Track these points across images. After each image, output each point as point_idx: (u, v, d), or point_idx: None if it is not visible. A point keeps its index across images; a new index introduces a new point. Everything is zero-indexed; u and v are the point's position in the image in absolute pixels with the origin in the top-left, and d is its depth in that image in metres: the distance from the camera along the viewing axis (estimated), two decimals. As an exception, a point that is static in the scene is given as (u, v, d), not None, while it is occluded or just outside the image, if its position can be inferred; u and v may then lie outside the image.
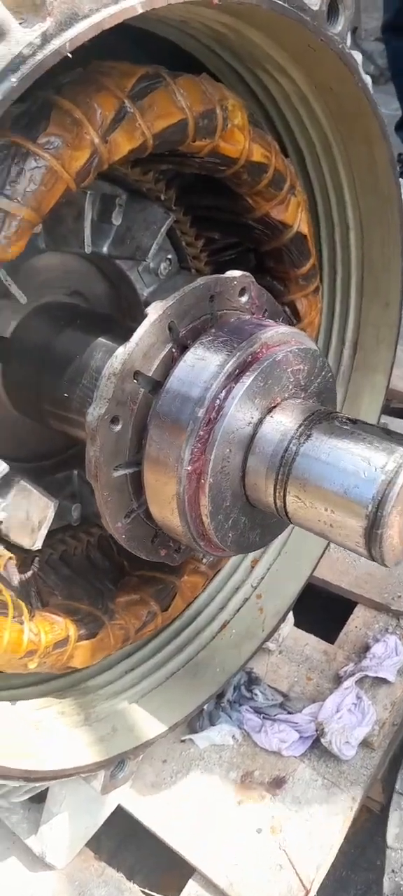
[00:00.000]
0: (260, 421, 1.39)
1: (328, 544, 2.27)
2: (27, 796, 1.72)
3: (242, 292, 1.57)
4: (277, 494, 1.37)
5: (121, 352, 1.39)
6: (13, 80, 1.03)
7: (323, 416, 1.38)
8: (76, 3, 1.07)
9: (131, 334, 1.43)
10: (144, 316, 1.44)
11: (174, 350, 1.46)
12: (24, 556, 1.72)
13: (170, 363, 1.45)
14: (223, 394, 1.37)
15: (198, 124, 1.47)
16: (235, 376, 1.38)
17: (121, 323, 1.91)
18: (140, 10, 1.14)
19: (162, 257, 1.86)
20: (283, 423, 1.37)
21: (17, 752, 1.56)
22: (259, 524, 1.51)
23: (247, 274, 1.58)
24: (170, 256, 1.89)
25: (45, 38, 1.05)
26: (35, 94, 1.22)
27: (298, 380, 1.47)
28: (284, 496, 1.36)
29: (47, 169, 1.24)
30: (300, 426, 1.36)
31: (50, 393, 1.71)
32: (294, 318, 2.00)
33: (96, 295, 1.95)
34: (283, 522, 1.51)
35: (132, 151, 1.37)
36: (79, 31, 1.07)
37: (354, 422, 1.36)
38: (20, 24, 1.04)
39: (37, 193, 1.24)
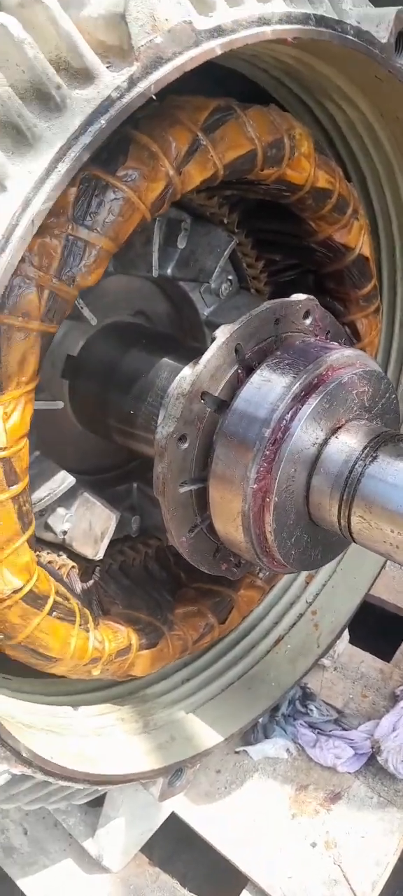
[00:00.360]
0: (326, 441, 1.42)
1: (385, 563, 2.28)
2: (87, 799, 1.79)
3: (306, 315, 1.61)
4: (341, 514, 1.40)
5: (190, 373, 1.45)
6: (102, 121, 1.10)
7: (389, 437, 1.41)
8: (161, 47, 1.13)
9: (194, 354, 1.50)
10: (209, 337, 1.50)
11: (240, 371, 1.51)
12: (85, 566, 1.80)
13: (235, 384, 1.50)
14: (289, 415, 1.40)
15: (266, 154, 1.52)
16: (301, 398, 1.41)
17: (182, 342, 1.98)
18: (219, 52, 1.20)
19: (223, 278, 1.92)
20: (348, 444, 1.40)
21: (81, 756, 1.63)
22: (321, 542, 1.54)
23: (312, 297, 1.63)
24: (230, 277, 1.95)
25: (132, 82, 1.12)
26: (114, 130, 1.29)
27: (363, 401, 1.49)
28: (349, 516, 1.39)
29: (125, 200, 1.31)
30: (365, 448, 1.39)
31: (115, 409, 1.78)
32: (354, 337, 2.03)
33: (158, 314, 2.03)
34: (344, 541, 1.53)
35: (204, 181, 1.43)
36: (164, 73, 1.14)
37: None
38: (108, 67, 1.11)
39: (115, 224, 1.31)
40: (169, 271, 1.87)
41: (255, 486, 1.41)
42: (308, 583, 2.30)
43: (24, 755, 1.39)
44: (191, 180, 1.40)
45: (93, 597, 1.82)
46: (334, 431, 1.43)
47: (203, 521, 1.58)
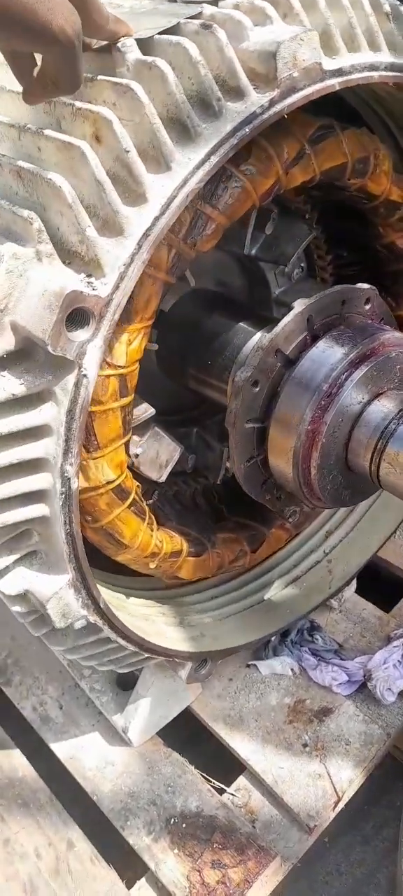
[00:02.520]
0: (369, 402, 1.79)
1: (395, 529, 2.69)
2: (131, 669, 2.20)
3: (367, 301, 1.98)
4: (373, 461, 1.77)
5: (271, 333, 1.83)
6: (247, 129, 1.46)
7: None
8: (296, 80, 1.48)
9: (265, 322, 1.88)
10: (276, 310, 1.88)
11: (308, 337, 1.89)
12: (147, 488, 2.18)
13: (303, 347, 1.88)
14: (344, 376, 1.78)
15: (355, 167, 1.88)
16: (355, 364, 1.79)
17: (256, 313, 2.35)
18: (337, 88, 1.56)
19: (297, 265, 2.23)
20: (387, 406, 1.78)
21: (135, 626, 2.03)
22: (351, 485, 1.92)
23: (373, 287, 2.00)
24: (302, 265, 2.26)
25: (272, 103, 1.47)
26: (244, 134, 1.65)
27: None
28: (379, 463, 1.77)
29: (243, 188, 1.68)
30: (400, 411, 1.77)
31: (195, 359, 2.15)
32: (401, 329, 2.40)
33: (236, 287, 2.34)
34: (370, 489, 1.92)
35: (304, 182, 1.79)
36: (295, 99, 1.50)
37: None
38: (255, 90, 1.47)
39: (232, 205, 1.68)
40: (254, 251, 2.20)
41: (309, 427, 1.79)
42: (327, 537, 2.70)
43: (101, 606, 1.78)
44: (294, 180, 1.77)
45: (151, 513, 2.20)
46: (377, 395, 1.81)
47: (259, 454, 1.97)
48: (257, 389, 1.86)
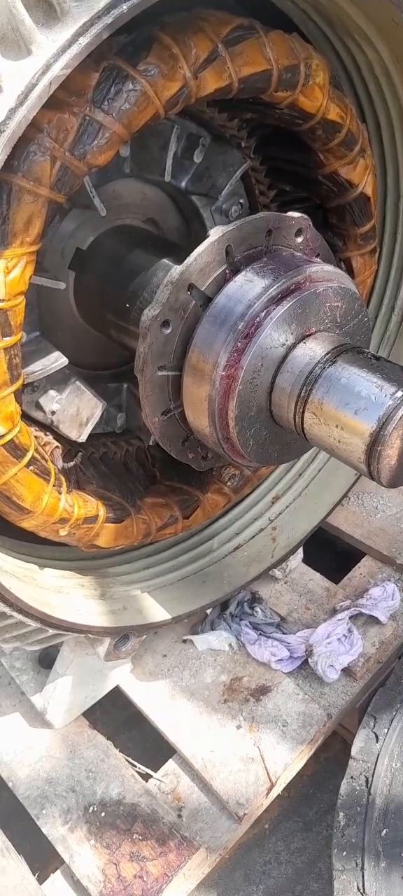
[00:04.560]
0: (294, 345, 1.59)
1: (345, 494, 2.49)
2: (39, 647, 2.01)
3: (298, 233, 1.77)
4: (297, 411, 1.58)
5: (181, 264, 1.61)
6: (124, 7, 1.24)
7: (351, 348, 1.58)
8: None
9: None
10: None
11: (227, 272, 1.68)
12: (69, 448, 1.98)
13: (222, 282, 1.67)
14: (263, 313, 1.58)
15: (281, 76, 1.65)
16: (277, 300, 1.58)
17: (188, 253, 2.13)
18: None
19: (234, 201, 2.06)
20: (313, 349, 1.58)
21: (40, 600, 1.84)
22: (279, 441, 1.73)
23: (305, 216, 1.78)
24: (241, 201, 2.09)
25: (156, -24, 1.25)
26: (142, 28, 1.42)
27: (335, 316, 1.66)
28: (302, 413, 1.57)
29: (141, 93, 1.46)
30: (327, 353, 1.56)
31: (113, 303, 1.93)
32: (348, 274, 2.17)
33: (169, 226, 2.16)
34: (302, 446, 1.73)
35: (218, 90, 1.57)
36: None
37: (378, 358, 1.54)
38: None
39: (129, 112, 1.46)
40: (183, 184, 2.01)
41: (224, 374, 1.59)
42: (273, 503, 2.50)
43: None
44: (205, 86, 1.54)
45: (72, 476, 1.98)
46: (303, 338, 1.61)
47: (176, 407, 1.77)
48: (168, 331, 1.65)
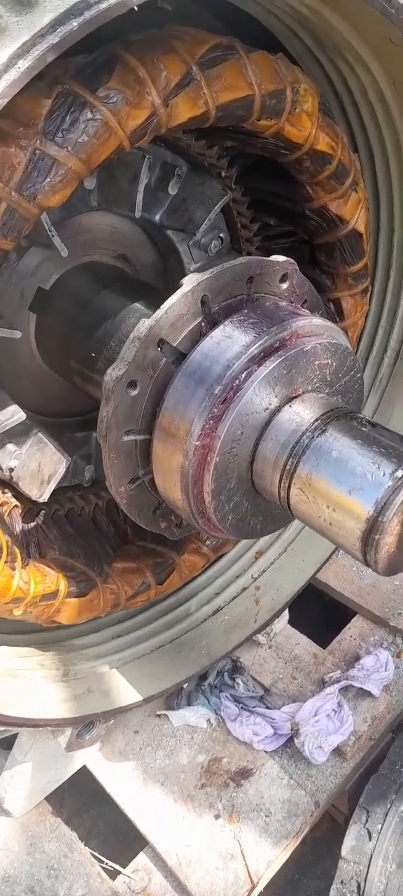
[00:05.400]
0: (278, 409, 1.41)
1: (335, 550, 2.30)
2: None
3: (283, 279, 1.57)
4: (282, 485, 1.39)
5: (150, 318, 1.41)
6: (74, 24, 1.04)
7: (343, 413, 1.39)
8: None
9: None
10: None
11: (203, 324, 1.48)
12: (30, 507, 1.78)
13: (197, 337, 1.47)
14: (243, 375, 1.38)
15: (265, 103, 1.47)
16: (259, 359, 1.39)
17: (163, 294, 1.94)
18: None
19: (214, 235, 1.89)
20: (300, 414, 1.39)
21: (-9, 692, 1.63)
22: (262, 512, 1.53)
23: (291, 261, 1.58)
24: (221, 235, 1.92)
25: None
26: (104, 47, 1.22)
27: (324, 374, 1.47)
28: (288, 487, 1.38)
29: (102, 123, 1.26)
30: (316, 420, 1.37)
31: (78, 350, 1.75)
32: (338, 315, 2.01)
33: (142, 262, 1.98)
34: (288, 515, 1.53)
35: (192, 120, 1.37)
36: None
37: (373, 425, 1.37)
38: (89, -30, 1.04)
39: (88, 146, 1.26)
40: (157, 217, 1.83)
41: (198, 443, 1.39)
42: (257, 558, 2.30)
43: None
44: (178, 115, 1.35)
45: (32, 539, 1.80)
46: (289, 400, 1.42)
47: (145, 473, 1.56)
48: (135, 392, 1.44)
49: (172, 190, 1.77)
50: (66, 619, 1.77)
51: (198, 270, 1.95)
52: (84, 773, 2.15)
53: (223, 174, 1.84)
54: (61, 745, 1.82)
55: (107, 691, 1.91)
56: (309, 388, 1.44)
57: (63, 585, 1.72)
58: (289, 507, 1.40)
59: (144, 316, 1.65)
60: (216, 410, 1.37)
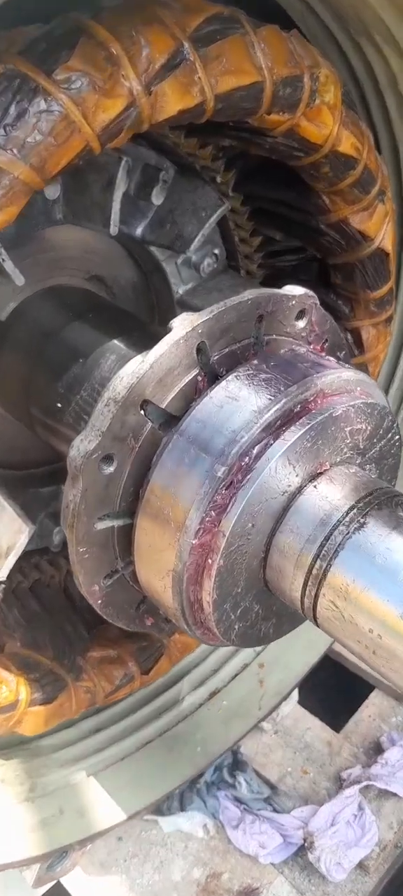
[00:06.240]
0: (300, 489, 1.11)
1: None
2: None
3: (300, 315, 1.26)
4: (307, 592, 1.09)
5: (129, 372, 1.08)
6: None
7: (386, 497, 1.09)
8: None
9: (155, 340, 1.12)
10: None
11: (200, 379, 1.16)
12: (-14, 585, 1.46)
13: (192, 396, 1.16)
14: (255, 450, 1.08)
15: (277, 92, 1.16)
16: (275, 429, 1.09)
17: (146, 324, 1.62)
18: None
19: (207, 251, 1.63)
20: (330, 498, 1.09)
21: None
22: (275, 613, 1.23)
23: (311, 293, 1.28)
24: (216, 251, 1.66)
25: None
26: (64, 15, 0.90)
27: (357, 442, 1.18)
28: (316, 596, 1.08)
29: (61, 116, 0.93)
30: (352, 508, 1.07)
31: (41, 397, 1.44)
32: (356, 347, 1.76)
33: (121, 284, 1.72)
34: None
35: (184, 113, 1.06)
36: None
37: None
38: None
39: (41, 147, 0.93)
40: (138, 231, 1.56)
41: (196, 542, 1.08)
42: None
43: None
44: (165, 106, 1.04)
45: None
46: (313, 478, 1.12)
47: (126, 566, 1.24)
48: (112, 469, 1.12)
49: (156, 199, 1.50)
50: (30, 730, 1.48)
51: (189, 293, 1.65)
52: (57, 890, 1.82)
53: (218, 179, 1.57)
54: (27, 882, 1.49)
55: (82, 810, 1.59)
56: (338, 459, 1.12)
57: (24, 693, 1.43)
58: (316, 620, 1.09)
59: (122, 359, 1.35)
60: (219, 499, 1.05)
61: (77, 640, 1.63)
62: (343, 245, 1.54)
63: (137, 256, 1.68)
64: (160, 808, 1.86)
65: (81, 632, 1.66)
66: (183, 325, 1.10)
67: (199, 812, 1.83)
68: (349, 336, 1.72)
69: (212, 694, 1.90)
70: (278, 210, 1.62)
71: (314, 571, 1.06)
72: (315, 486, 1.10)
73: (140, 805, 1.66)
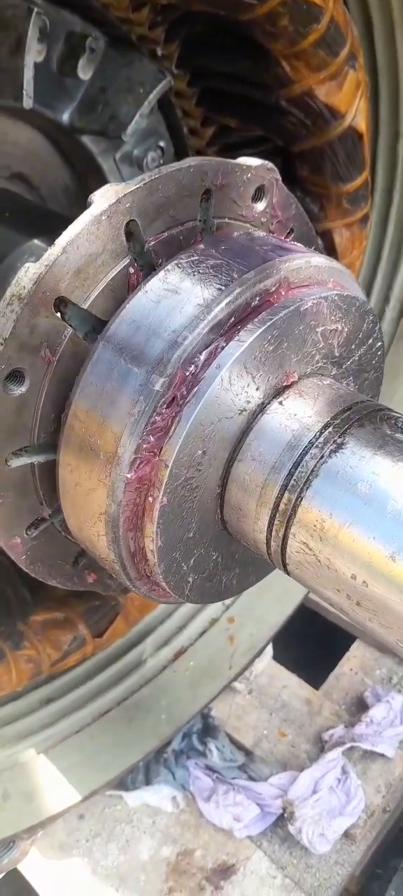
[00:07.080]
0: (262, 407, 0.92)
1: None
2: None
3: (258, 194, 1.04)
4: (274, 532, 0.91)
5: (37, 263, 0.85)
6: None
7: (368, 412, 0.91)
8: None
9: None
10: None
11: (132, 271, 0.94)
12: None
13: (123, 292, 0.94)
14: (203, 356, 0.87)
15: None
16: (228, 329, 0.89)
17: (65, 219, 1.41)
18: None
19: (150, 144, 1.47)
20: (299, 416, 0.91)
21: None
22: (238, 562, 1.04)
23: (271, 166, 1.04)
24: (162, 144, 1.51)
25: None
26: None
27: (331, 347, 0.98)
28: (284, 538, 0.89)
29: None
30: (327, 426, 0.89)
31: None
32: (328, 254, 1.49)
33: (49, 185, 1.54)
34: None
35: None
36: None
37: None
38: None
39: None
40: (65, 116, 1.38)
41: (131, 476, 0.88)
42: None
43: None
44: None
45: None
46: (278, 392, 0.93)
47: (55, 512, 1.02)
48: (23, 388, 0.90)
49: (83, 73, 1.31)
50: (-40, 710, 1.25)
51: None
52: (13, 875, 1.64)
53: (159, 52, 1.33)
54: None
55: (30, 793, 1.42)
56: (309, 370, 0.92)
57: None
58: (286, 567, 0.89)
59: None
60: (159, 420, 0.84)
61: (18, 603, 1.44)
62: (308, 125, 1.34)
63: (68, 153, 1.45)
64: (124, 782, 1.70)
65: (23, 594, 1.47)
66: (106, 197, 0.87)
67: (167, 784, 1.68)
68: (319, 242, 1.52)
69: (178, 654, 1.73)
70: (232, 89, 1.40)
71: (281, 507, 0.87)
72: (280, 403, 0.90)
73: (96, 784, 1.49)
